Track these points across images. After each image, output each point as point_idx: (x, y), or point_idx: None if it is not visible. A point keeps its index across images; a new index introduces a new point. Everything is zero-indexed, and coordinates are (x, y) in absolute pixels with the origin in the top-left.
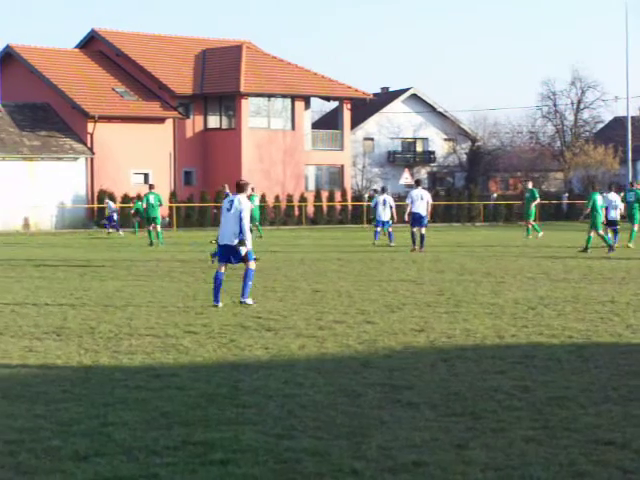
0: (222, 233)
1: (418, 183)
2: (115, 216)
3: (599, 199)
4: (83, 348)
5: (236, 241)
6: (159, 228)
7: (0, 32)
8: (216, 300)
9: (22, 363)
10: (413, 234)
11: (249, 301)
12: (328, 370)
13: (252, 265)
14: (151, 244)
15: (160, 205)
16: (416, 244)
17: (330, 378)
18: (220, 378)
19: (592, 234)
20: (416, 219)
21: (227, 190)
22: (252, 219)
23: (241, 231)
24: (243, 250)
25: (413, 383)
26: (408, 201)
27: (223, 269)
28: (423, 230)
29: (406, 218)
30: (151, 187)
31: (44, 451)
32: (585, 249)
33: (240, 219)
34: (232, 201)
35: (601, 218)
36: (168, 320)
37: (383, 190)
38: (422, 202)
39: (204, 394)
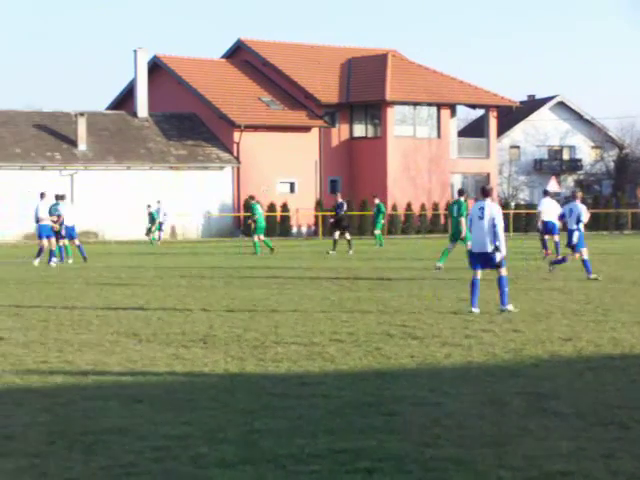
0: (475, 240)
1: (546, 193)
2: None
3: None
4: (229, 356)
5: (491, 248)
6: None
7: (148, 43)
8: (473, 305)
9: (169, 370)
10: (544, 241)
11: (510, 307)
12: (474, 379)
13: (504, 272)
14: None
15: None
16: (548, 249)
17: (476, 387)
18: (365, 386)
19: None
20: (548, 227)
21: (340, 199)
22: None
23: (496, 237)
24: (498, 256)
25: (560, 392)
26: (539, 209)
27: (479, 275)
28: (556, 238)
29: (539, 226)
30: (252, 198)
31: (191, 458)
32: None
33: (494, 225)
34: (482, 208)
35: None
36: (314, 328)
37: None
38: (552, 211)
39: (349, 402)
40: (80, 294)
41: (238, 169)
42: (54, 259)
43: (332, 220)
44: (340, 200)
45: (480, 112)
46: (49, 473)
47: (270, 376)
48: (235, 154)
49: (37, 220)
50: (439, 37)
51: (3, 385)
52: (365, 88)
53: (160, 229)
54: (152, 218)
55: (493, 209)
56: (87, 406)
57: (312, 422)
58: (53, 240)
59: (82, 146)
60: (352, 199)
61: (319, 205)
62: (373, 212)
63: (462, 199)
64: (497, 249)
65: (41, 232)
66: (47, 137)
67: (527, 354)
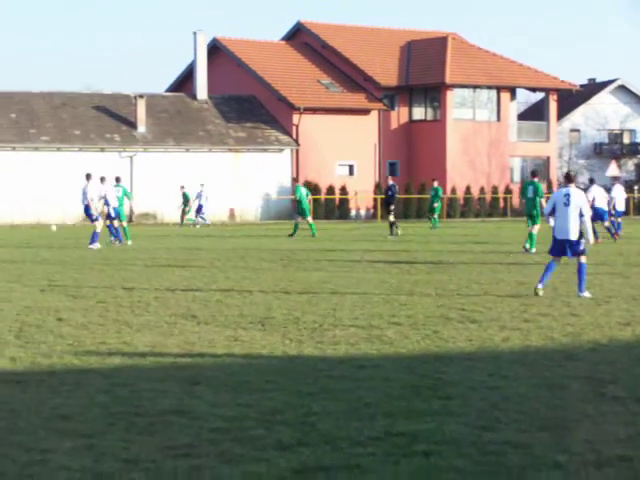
0: (558, 227)
1: (592, 181)
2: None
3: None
4: (287, 338)
5: (576, 236)
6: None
7: (207, 25)
8: (540, 282)
9: (227, 352)
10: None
11: (587, 294)
12: (532, 363)
13: (584, 259)
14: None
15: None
16: (599, 237)
17: (534, 371)
18: (424, 369)
19: None
20: (598, 214)
21: (391, 182)
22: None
23: (582, 226)
24: (583, 244)
25: (618, 377)
26: (590, 197)
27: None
28: (606, 223)
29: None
30: (296, 180)
31: (248, 440)
32: None
33: (581, 214)
34: (568, 195)
35: None
36: (372, 311)
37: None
38: (601, 197)
39: (407, 385)
40: (139, 276)
41: (297, 151)
42: (109, 239)
43: (392, 207)
44: (391, 182)
45: (540, 95)
46: (107, 453)
47: (328, 359)
48: (294, 136)
49: (88, 201)
50: (499, 20)
51: (62, 366)
52: (425, 71)
53: (201, 212)
54: (186, 199)
55: (579, 196)
56: (145, 387)
57: (370, 405)
58: (101, 222)
59: (141, 128)
60: (411, 182)
61: (378, 188)
62: (430, 195)
63: (536, 180)
64: (582, 236)
65: (92, 214)
66: (106, 119)
67: (585, 338)
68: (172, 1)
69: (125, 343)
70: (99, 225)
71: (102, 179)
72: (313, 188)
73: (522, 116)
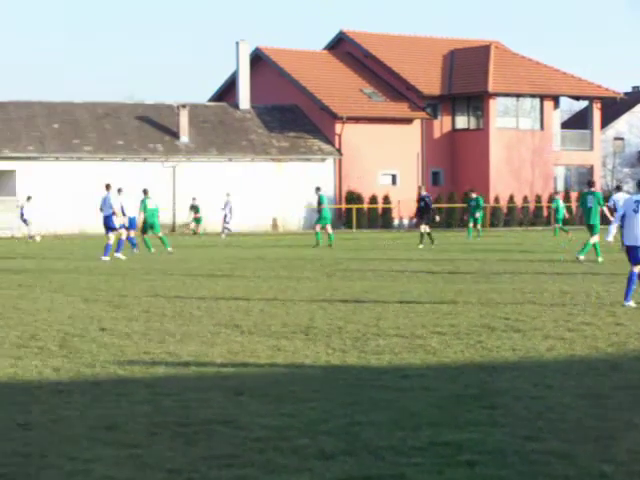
0: (628, 234)
1: (619, 188)
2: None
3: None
4: (331, 348)
5: None
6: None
7: (250, 35)
8: (626, 299)
9: (270, 362)
10: None
11: (631, 304)
12: (577, 372)
13: (638, 269)
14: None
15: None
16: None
17: (578, 380)
18: (467, 379)
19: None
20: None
21: (424, 192)
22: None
23: None
24: None
25: None
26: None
27: (637, 269)
28: None
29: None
30: (319, 189)
31: (291, 449)
32: None
33: None
34: (638, 201)
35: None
36: (415, 320)
37: (618, 189)
38: None
39: (451, 395)
40: (181, 285)
41: (340, 161)
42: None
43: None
44: (424, 193)
45: (584, 104)
46: (150, 463)
47: (371, 368)
48: (337, 146)
49: (112, 213)
50: (542, 28)
51: (106, 375)
52: (467, 79)
53: (226, 221)
54: (196, 211)
55: None
56: (188, 397)
57: (413, 414)
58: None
59: (184, 138)
60: (454, 191)
61: None
62: (471, 205)
63: (593, 190)
64: None
65: (114, 224)
66: (149, 129)
67: (630, 348)
68: (215, 11)
69: (169, 353)
70: (124, 233)
71: (119, 190)
72: (356, 197)
73: (565, 124)
